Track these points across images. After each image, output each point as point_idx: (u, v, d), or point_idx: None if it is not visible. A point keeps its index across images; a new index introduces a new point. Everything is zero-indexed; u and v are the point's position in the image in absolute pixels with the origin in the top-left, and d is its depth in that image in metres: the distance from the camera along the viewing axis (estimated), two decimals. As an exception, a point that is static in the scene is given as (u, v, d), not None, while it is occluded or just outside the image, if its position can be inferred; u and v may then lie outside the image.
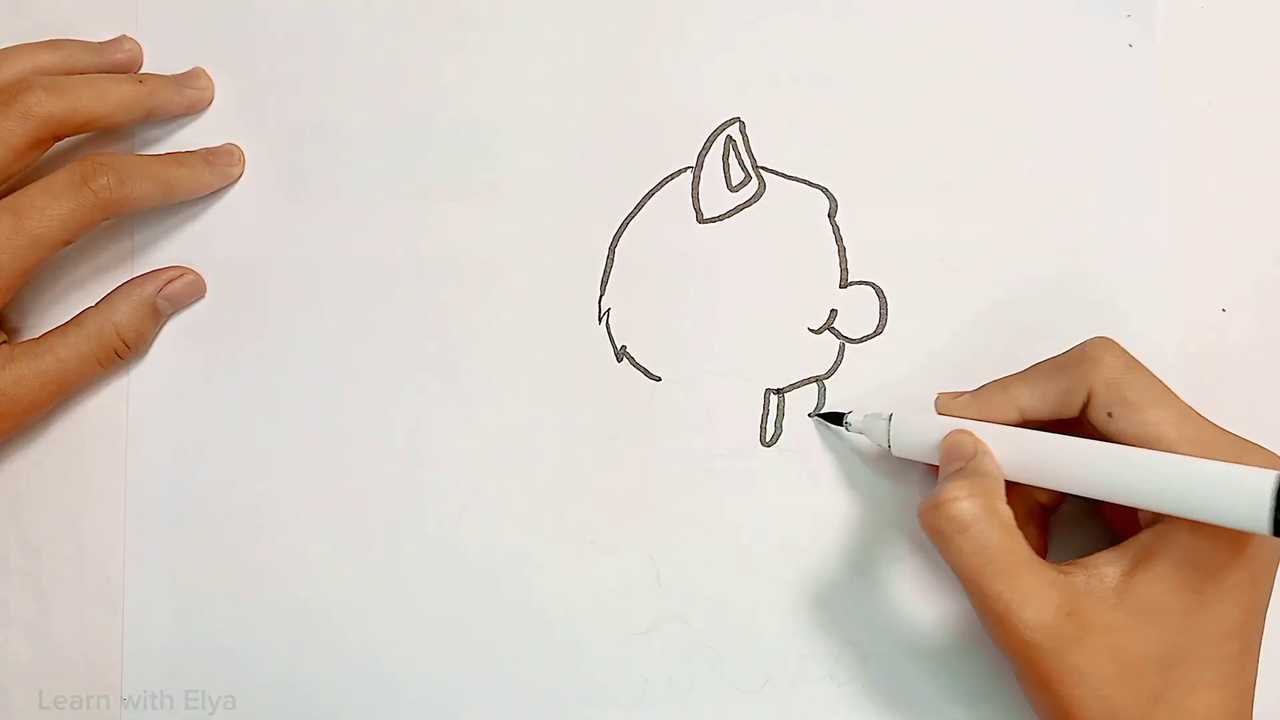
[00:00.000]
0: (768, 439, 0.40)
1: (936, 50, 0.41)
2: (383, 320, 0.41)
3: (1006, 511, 0.33)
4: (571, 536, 0.40)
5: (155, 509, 0.41)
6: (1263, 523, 0.29)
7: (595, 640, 0.40)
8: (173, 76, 0.42)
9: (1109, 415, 0.33)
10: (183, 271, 0.41)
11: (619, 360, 0.41)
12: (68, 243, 0.38)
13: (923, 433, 0.36)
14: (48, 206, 0.37)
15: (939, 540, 0.33)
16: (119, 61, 0.42)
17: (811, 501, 0.40)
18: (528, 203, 0.41)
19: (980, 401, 0.36)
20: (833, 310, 0.41)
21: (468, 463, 0.40)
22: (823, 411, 0.40)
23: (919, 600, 0.39)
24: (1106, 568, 0.33)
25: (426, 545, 0.40)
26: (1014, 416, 0.35)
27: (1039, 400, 0.35)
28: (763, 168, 0.41)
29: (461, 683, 0.40)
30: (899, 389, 0.40)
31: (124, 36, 0.42)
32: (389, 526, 0.40)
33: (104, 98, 0.39)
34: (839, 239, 0.41)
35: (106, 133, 0.41)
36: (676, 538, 0.40)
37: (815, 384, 0.40)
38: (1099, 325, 0.40)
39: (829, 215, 0.41)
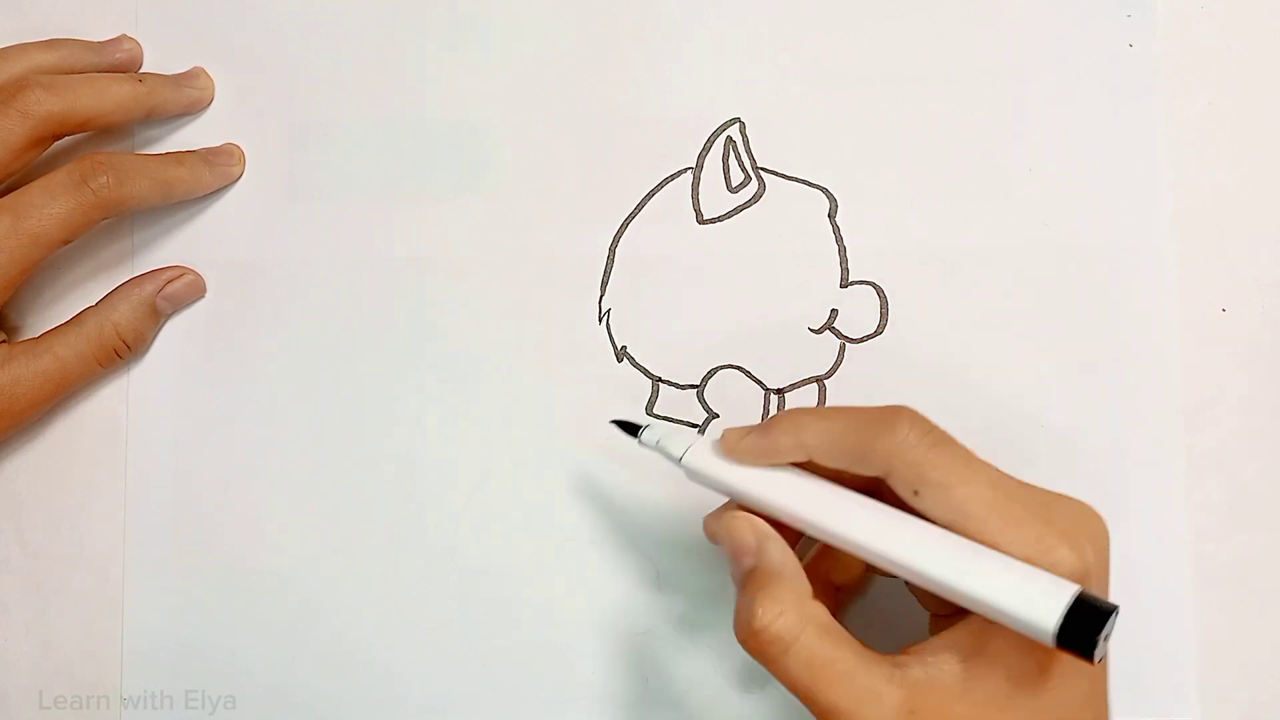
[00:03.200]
0: (768, 439, 0.40)
1: (936, 50, 0.41)
2: (382, 320, 0.41)
3: (819, 611, 0.31)
4: (571, 536, 0.40)
5: (155, 509, 0.41)
6: (1047, 636, 0.28)
7: (595, 640, 0.40)
8: (173, 76, 0.42)
9: (915, 494, 0.31)
10: (182, 271, 0.41)
11: (619, 360, 0.41)
12: (67, 242, 0.38)
13: (714, 475, 0.34)
14: (47, 205, 0.37)
15: (764, 662, 0.31)
16: (118, 61, 0.41)
17: (811, 501, 0.40)
18: (528, 203, 0.41)
19: (765, 441, 0.33)
20: (833, 310, 0.41)
21: (467, 463, 0.40)
22: (619, 419, 0.37)
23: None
24: (942, 656, 0.31)
25: (426, 545, 0.40)
26: (799, 458, 0.33)
27: (832, 453, 0.32)
28: (763, 168, 0.41)
29: (460, 682, 0.40)
30: (899, 389, 0.40)
31: (124, 36, 0.42)
32: (389, 526, 0.40)
33: (103, 97, 0.39)
34: (839, 239, 0.41)
35: (106, 132, 0.41)
36: (676, 538, 0.40)
37: (815, 384, 0.40)
38: (1099, 325, 0.40)
39: (829, 215, 0.41)
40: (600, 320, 0.41)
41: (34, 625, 0.41)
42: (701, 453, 0.34)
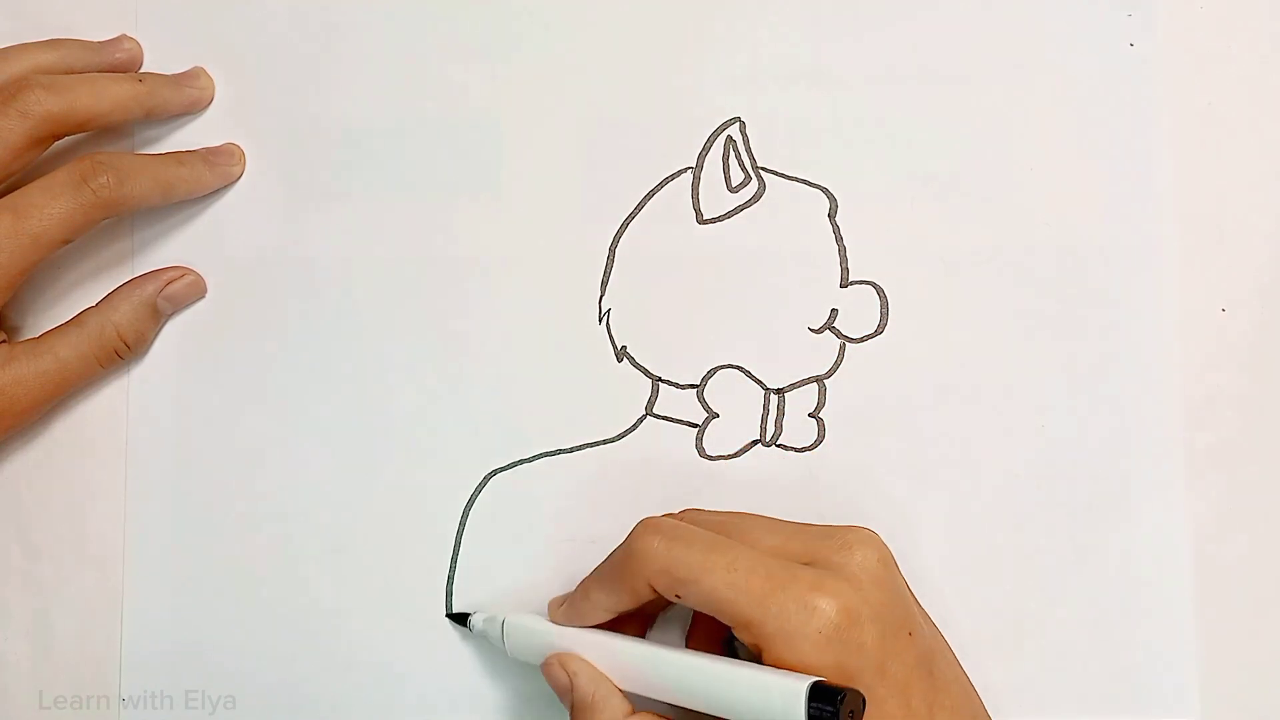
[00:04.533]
0: (768, 439, 0.40)
1: (936, 50, 0.41)
2: (383, 320, 0.41)
3: None
4: (571, 536, 0.40)
5: (155, 509, 0.41)
6: None
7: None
8: (172, 76, 0.42)
9: (677, 596, 0.33)
10: (183, 272, 0.41)
11: (619, 360, 0.41)
12: (67, 242, 0.38)
13: (532, 642, 0.37)
14: (47, 205, 0.37)
15: None
16: (118, 61, 0.41)
17: (812, 501, 0.40)
18: (528, 203, 0.41)
19: (573, 609, 0.36)
20: (833, 310, 0.40)
21: (467, 462, 0.40)
22: (452, 613, 0.40)
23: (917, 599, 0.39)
24: None
25: (426, 545, 0.40)
26: (605, 616, 0.36)
27: (616, 600, 0.35)
28: (763, 168, 0.41)
29: (461, 682, 0.40)
30: (899, 389, 0.40)
31: (123, 36, 0.42)
32: (389, 525, 0.40)
33: (103, 96, 0.39)
34: (839, 239, 0.41)
35: (106, 132, 0.41)
36: (676, 538, 0.40)
37: (815, 384, 0.40)
38: (1099, 325, 0.40)
39: (829, 215, 0.41)
40: (600, 320, 0.41)
41: (34, 625, 0.41)
42: (517, 624, 0.37)
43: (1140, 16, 0.41)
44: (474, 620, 0.39)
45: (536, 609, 0.38)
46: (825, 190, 0.41)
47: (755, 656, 0.33)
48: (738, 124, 0.41)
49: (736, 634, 0.33)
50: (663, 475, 0.40)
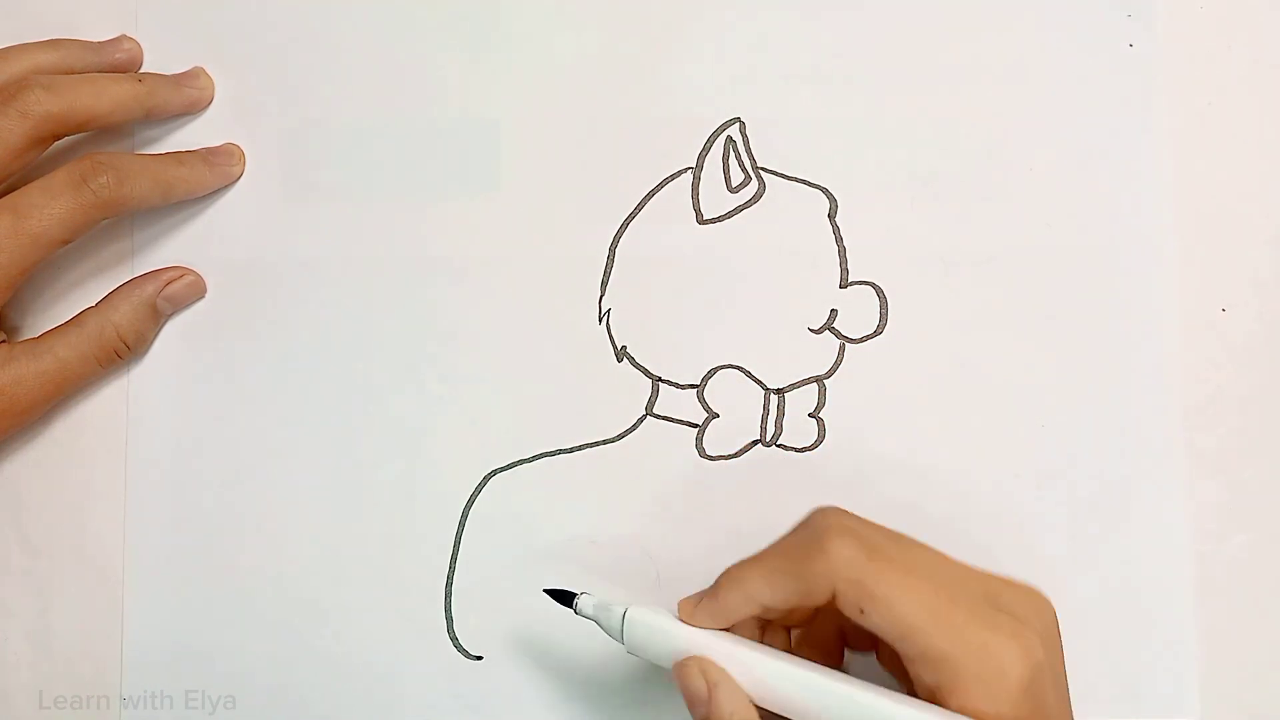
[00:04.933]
0: (768, 439, 0.40)
1: (936, 50, 0.41)
2: (383, 320, 0.41)
3: None
4: (571, 536, 0.40)
5: (155, 509, 0.41)
6: None
7: (595, 639, 0.40)
8: (172, 76, 0.42)
9: (861, 612, 0.30)
10: (183, 272, 0.41)
11: (619, 360, 0.41)
12: (67, 242, 0.38)
13: (656, 640, 0.33)
14: (47, 205, 0.37)
15: None
16: (118, 61, 0.41)
17: (811, 501, 0.40)
18: (528, 203, 0.41)
19: (717, 604, 0.33)
20: (833, 310, 0.41)
21: (468, 462, 0.40)
22: (552, 588, 0.36)
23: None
24: None
25: (426, 545, 0.40)
26: (754, 611, 0.32)
27: (781, 595, 0.32)
28: (763, 168, 0.41)
29: (461, 682, 0.40)
30: (899, 389, 0.40)
31: (123, 36, 0.42)
32: (389, 526, 0.40)
33: (103, 96, 0.39)
34: (839, 239, 0.41)
35: (106, 132, 0.41)
36: (676, 538, 0.40)
37: (815, 384, 0.40)
38: (1099, 325, 0.40)
39: (829, 215, 0.41)
40: (600, 320, 0.41)
41: (34, 625, 0.41)
42: (639, 623, 0.34)
43: (1140, 16, 0.41)
44: (582, 602, 0.35)
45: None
46: (825, 190, 0.41)
47: (907, 688, 0.31)
48: (738, 124, 0.41)
49: (914, 668, 0.30)
50: (663, 475, 0.40)
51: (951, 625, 0.30)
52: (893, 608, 0.30)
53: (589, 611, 0.35)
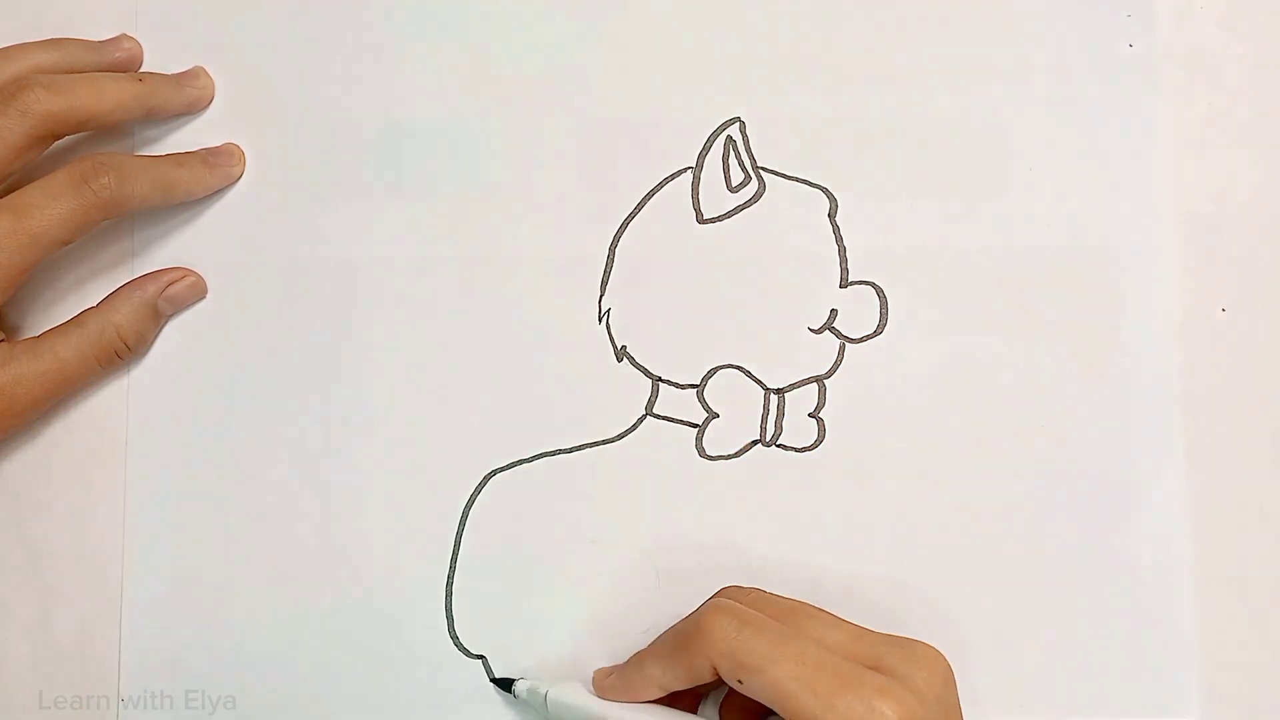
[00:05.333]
0: (768, 439, 0.40)
1: (937, 50, 0.41)
2: (382, 320, 0.41)
3: None
4: (571, 536, 0.40)
5: (155, 509, 0.41)
6: None
7: (595, 640, 0.40)
8: (173, 75, 0.42)
9: (739, 682, 0.33)
10: (184, 273, 0.41)
11: (619, 360, 0.41)
12: (67, 242, 0.38)
13: (577, 716, 0.36)
14: (47, 206, 0.37)
15: None
16: (118, 60, 0.41)
17: (811, 501, 0.40)
18: (528, 203, 0.41)
19: (623, 683, 0.36)
20: (833, 310, 0.41)
21: (468, 462, 0.40)
22: (495, 677, 0.39)
23: (916, 599, 0.39)
24: None
25: (426, 545, 0.40)
26: (656, 692, 0.35)
27: (672, 676, 0.35)
28: (763, 168, 0.41)
29: (461, 681, 0.40)
30: (899, 389, 0.40)
31: (124, 35, 0.42)
32: (389, 525, 0.40)
33: (103, 96, 0.39)
34: (839, 239, 0.41)
35: (106, 132, 0.41)
36: (676, 538, 0.40)
37: (815, 384, 0.40)
38: (1099, 325, 0.40)
39: (829, 215, 0.41)
40: (600, 320, 0.41)
41: (34, 625, 0.41)
42: (560, 701, 0.37)
43: (1140, 16, 0.41)
44: (519, 688, 0.38)
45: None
46: (825, 190, 0.41)
47: None
48: (738, 124, 0.41)
49: None
50: (663, 475, 0.40)
51: (816, 690, 0.31)
52: (764, 675, 0.32)
53: (523, 695, 0.38)
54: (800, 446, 0.40)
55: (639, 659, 0.36)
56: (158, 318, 0.41)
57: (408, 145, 0.42)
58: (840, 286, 0.41)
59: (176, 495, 0.41)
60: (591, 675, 0.38)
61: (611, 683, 0.36)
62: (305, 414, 0.41)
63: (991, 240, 0.40)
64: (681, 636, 0.35)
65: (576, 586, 0.40)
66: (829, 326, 0.40)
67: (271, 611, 0.40)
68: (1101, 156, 0.41)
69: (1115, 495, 0.40)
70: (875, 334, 0.40)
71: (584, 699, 0.36)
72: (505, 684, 0.39)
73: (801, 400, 0.40)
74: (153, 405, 0.41)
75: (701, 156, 0.41)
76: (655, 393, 0.41)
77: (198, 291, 0.41)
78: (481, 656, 0.40)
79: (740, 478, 0.40)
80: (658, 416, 0.40)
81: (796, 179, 0.41)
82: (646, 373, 0.41)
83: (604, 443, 0.40)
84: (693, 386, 0.41)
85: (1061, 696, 0.39)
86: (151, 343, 0.41)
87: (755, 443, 0.40)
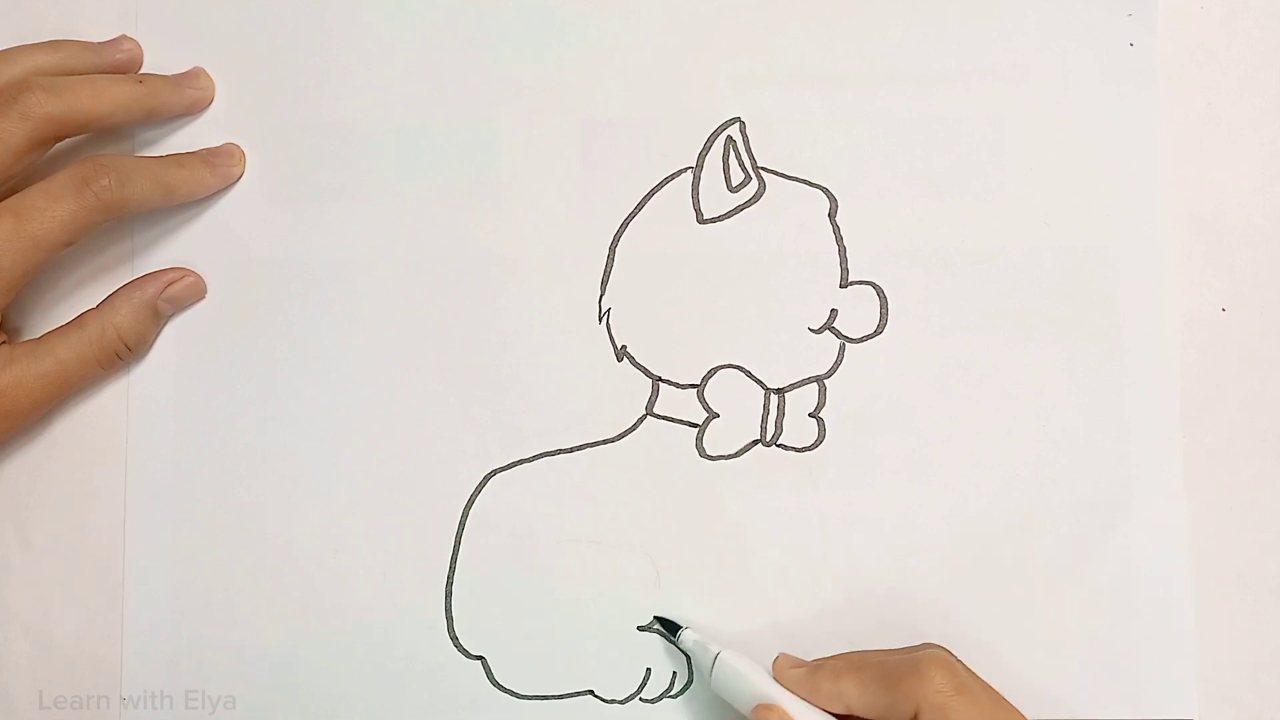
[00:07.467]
0: (768, 439, 0.40)
1: (936, 50, 0.41)
2: (382, 320, 0.41)
3: None
4: (571, 536, 0.40)
5: (155, 509, 0.41)
6: None
7: (595, 639, 0.40)
8: (173, 76, 0.42)
9: None
10: (184, 274, 0.41)
11: (619, 360, 0.41)
12: (68, 244, 0.38)
13: (739, 686, 0.36)
14: (49, 208, 0.37)
15: None
16: (118, 62, 0.41)
17: (811, 501, 0.40)
18: (528, 203, 0.41)
19: (811, 682, 0.36)
20: (833, 310, 0.41)
21: (468, 462, 0.40)
22: (661, 615, 0.39)
23: (916, 599, 0.39)
24: None
25: (426, 545, 0.40)
26: (839, 708, 0.35)
27: (867, 703, 0.35)
28: (763, 168, 0.41)
29: (461, 681, 0.40)
30: (899, 389, 0.40)
31: (123, 36, 0.42)
32: (389, 525, 0.40)
33: (103, 98, 0.39)
34: (839, 239, 0.41)
35: (106, 133, 0.41)
36: (676, 538, 0.40)
37: (815, 384, 0.40)
38: (1099, 325, 0.40)
39: (829, 215, 0.41)
40: (600, 320, 0.41)
41: (34, 625, 0.41)
42: (727, 666, 0.37)
43: (1140, 16, 0.41)
44: (685, 637, 0.38)
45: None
46: (825, 190, 0.41)
47: None
48: (738, 124, 0.41)
49: None
50: (663, 475, 0.40)
51: None
52: None
53: (688, 646, 0.38)
54: (800, 446, 0.40)
55: (834, 669, 0.36)
56: (158, 318, 0.41)
57: (407, 145, 0.42)
58: (840, 286, 0.41)
59: (176, 495, 0.41)
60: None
61: (797, 675, 0.36)
62: (305, 414, 0.41)
63: (991, 240, 0.40)
64: (894, 673, 0.34)
65: (576, 586, 0.40)
66: (829, 326, 0.40)
67: (271, 611, 0.40)
68: (1102, 156, 0.41)
69: (1115, 495, 0.40)
70: (875, 334, 0.40)
71: (761, 676, 0.36)
72: (670, 627, 0.39)
73: (801, 400, 0.40)
74: (153, 405, 0.41)
75: (701, 156, 0.41)
76: (655, 392, 0.41)
77: (198, 291, 0.41)
78: (481, 657, 0.40)
79: (740, 478, 0.40)
80: (658, 416, 0.40)
81: (796, 179, 0.41)
82: (647, 372, 0.41)
83: (604, 443, 0.40)
84: (693, 386, 0.41)
85: (1062, 696, 0.39)
86: (151, 343, 0.41)
87: (755, 443, 0.40)
